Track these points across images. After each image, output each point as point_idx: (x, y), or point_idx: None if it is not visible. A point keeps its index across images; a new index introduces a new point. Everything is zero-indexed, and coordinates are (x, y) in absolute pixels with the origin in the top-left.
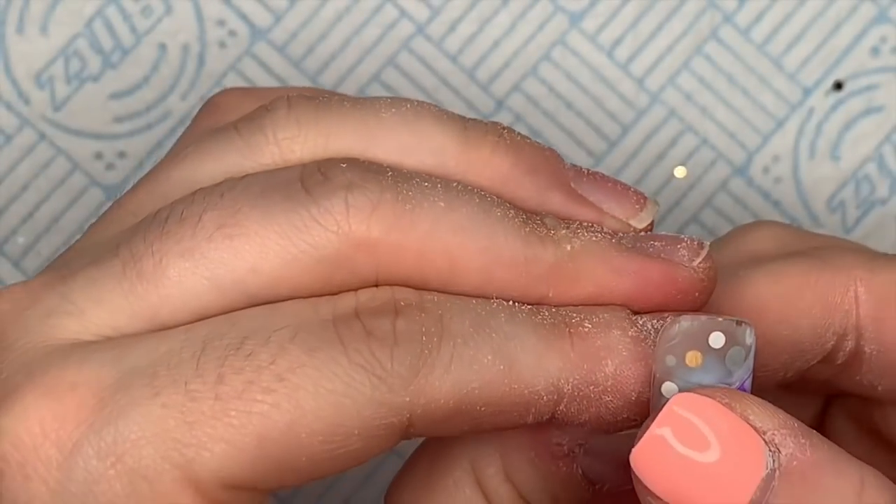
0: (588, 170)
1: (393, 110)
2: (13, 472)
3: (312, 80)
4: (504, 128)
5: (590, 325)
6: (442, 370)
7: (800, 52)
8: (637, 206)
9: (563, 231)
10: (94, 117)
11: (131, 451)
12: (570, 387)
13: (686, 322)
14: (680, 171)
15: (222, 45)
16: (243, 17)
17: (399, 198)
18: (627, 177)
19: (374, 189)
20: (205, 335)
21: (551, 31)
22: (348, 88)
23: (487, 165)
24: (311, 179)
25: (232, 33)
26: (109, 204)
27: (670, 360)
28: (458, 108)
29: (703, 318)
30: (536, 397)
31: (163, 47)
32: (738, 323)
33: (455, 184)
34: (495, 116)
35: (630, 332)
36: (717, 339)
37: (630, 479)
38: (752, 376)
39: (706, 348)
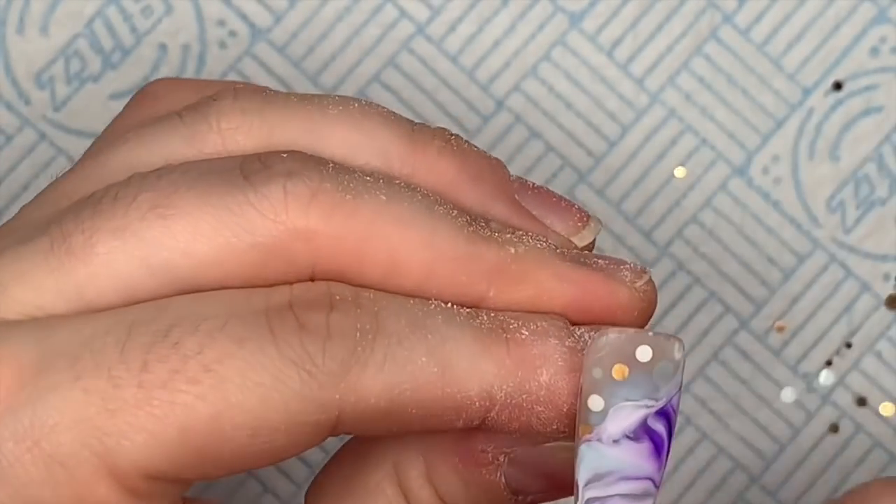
0: (533, 183)
1: (340, 108)
2: None
3: (313, 80)
4: (451, 134)
5: (527, 333)
6: (374, 369)
7: (799, 52)
8: (580, 224)
9: (508, 235)
10: (94, 117)
11: (49, 436)
12: (503, 394)
13: (614, 334)
14: (679, 172)
15: (222, 45)
16: (243, 17)
17: (340, 188)
18: (627, 177)
19: (314, 178)
20: (132, 320)
21: (551, 31)
22: (348, 89)
23: (433, 169)
24: (251, 167)
25: (232, 33)
26: None
27: (597, 373)
28: (459, 108)
29: (632, 331)
30: (468, 402)
31: (163, 47)
32: (668, 338)
33: (398, 181)
34: (495, 116)
35: (567, 342)
36: (644, 353)
37: (553, 490)
38: (679, 394)
39: (633, 362)
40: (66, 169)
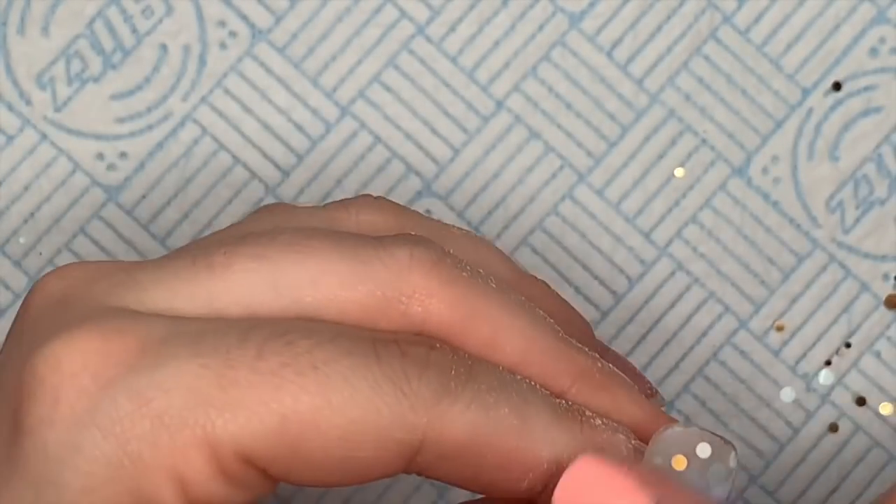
0: (613, 350)
1: (462, 230)
2: (45, 393)
3: (313, 80)
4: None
5: (600, 422)
6: (462, 406)
7: (799, 52)
8: (648, 392)
9: (595, 356)
10: (95, 118)
11: (161, 398)
12: (568, 462)
13: (680, 427)
14: (679, 172)
15: (223, 45)
16: (244, 17)
17: (458, 266)
18: (627, 177)
19: (438, 250)
20: (254, 323)
21: (551, 31)
22: (348, 89)
23: (533, 297)
24: (383, 236)
25: (232, 34)
26: (110, 204)
27: (658, 460)
28: (458, 109)
29: (696, 427)
30: (538, 462)
31: (164, 48)
32: (726, 443)
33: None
34: (495, 117)
35: (633, 442)
36: (703, 450)
37: None
38: (731, 497)
39: (693, 455)
40: (69, 168)
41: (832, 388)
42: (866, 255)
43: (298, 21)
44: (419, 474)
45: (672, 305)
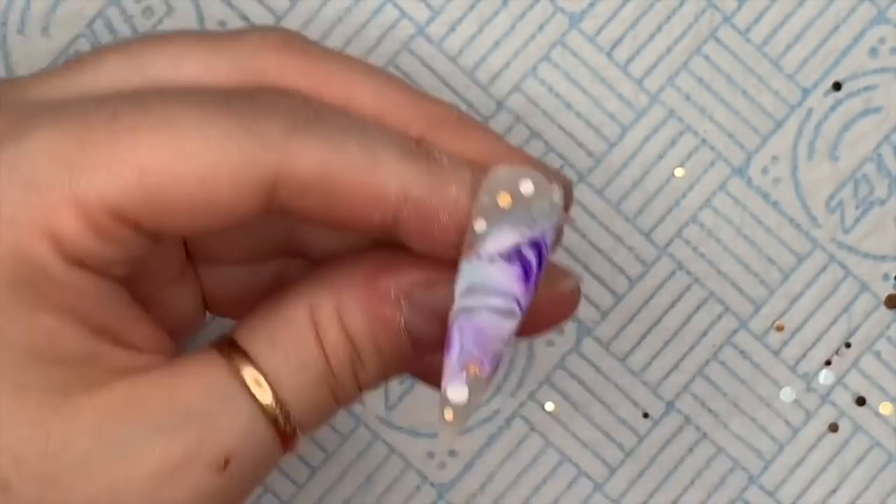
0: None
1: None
2: None
3: None
4: None
5: (447, 161)
6: (312, 142)
7: (798, 52)
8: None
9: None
10: None
11: (27, 164)
12: (416, 194)
13: (506, 167)
14: (679, 172)
15: None
16: (244, 17)
17: (308, 41)
18: (627, 177)
19: (288, 31)
20: (112, 94)
21: (551, 31)
22: None
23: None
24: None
25: None
26: None
27: (486, 199)
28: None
29: (520, 166)
30: (386, 195)
31: None
32: (552, 181)
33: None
34: (495, 117)
35: (479, 176)
36: (526, 187)
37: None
38: (552, 233)
39: (517, 194)
40: None
41: (832, 388)
42: (866, 255)
43: (298, 21)
44: (283, 214)
45: (672, 305)
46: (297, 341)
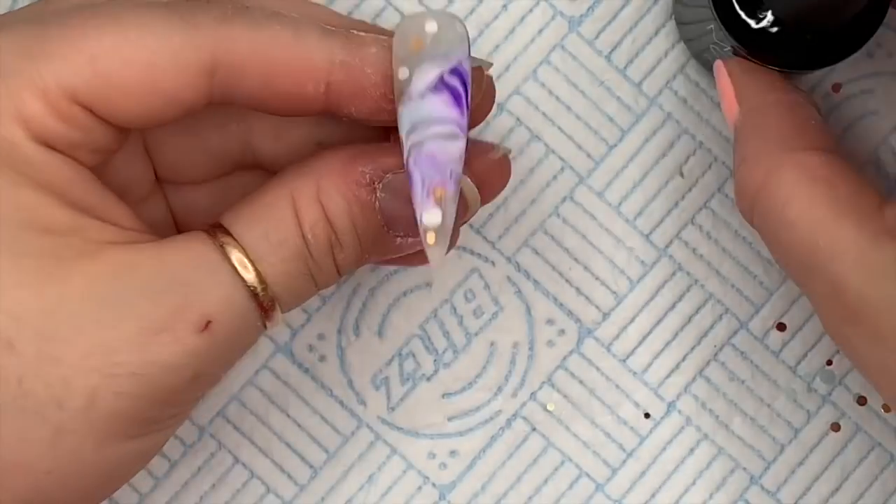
0: None
1: None
2: None
3: None
4: None
5: (364, 33)
6: (242, 27)
7: None
8: None
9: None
10: None
11: None
12: (340, 58)
13: (409, 16)
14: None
15: None
16: None
17: None
18: (626, 179)
19: None
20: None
21: (550, 35)
22: None
23: None
24: None
25: None
26: None
27: (399, 49)
28: None
29: (420, 12)
30: (314, 65)
31: None
32: (451, 16)
33: None
34: (496, 119)
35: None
36: (431, 26)
37: (414, 228)
38: (467, 60)
39: (425, 34)
40: None
41: (833, 388)
42: None
43: None
44: (226, 100)
45: (672, 306)
46: (278, 221)
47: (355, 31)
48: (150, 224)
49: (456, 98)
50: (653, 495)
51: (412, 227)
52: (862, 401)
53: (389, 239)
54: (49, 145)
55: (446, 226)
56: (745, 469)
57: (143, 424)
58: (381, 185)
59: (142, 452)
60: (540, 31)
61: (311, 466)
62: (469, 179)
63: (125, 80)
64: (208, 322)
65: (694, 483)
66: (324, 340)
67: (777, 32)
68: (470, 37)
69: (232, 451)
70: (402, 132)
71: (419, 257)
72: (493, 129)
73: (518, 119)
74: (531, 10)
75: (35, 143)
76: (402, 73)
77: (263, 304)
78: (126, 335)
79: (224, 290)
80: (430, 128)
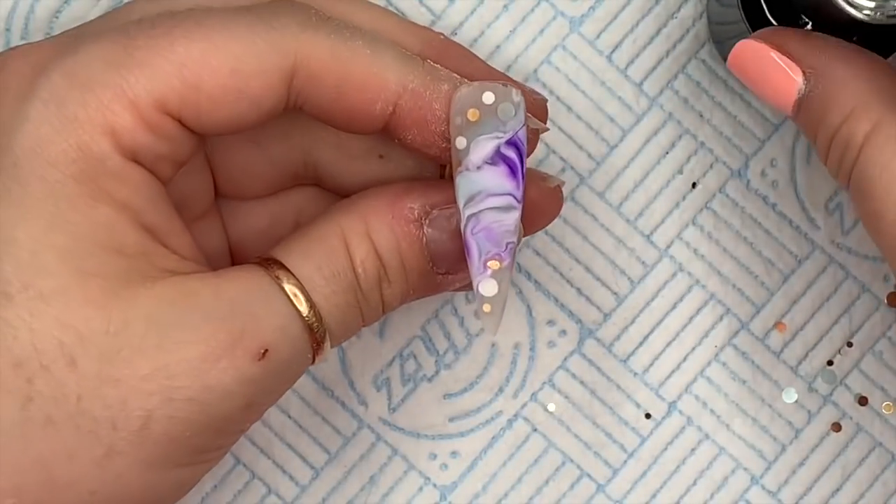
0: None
1: None
2: None
3: None
4: None
5: (441, 67)
6: (324, 34)
7: None
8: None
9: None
10: None
11: (83, 70)
12: (413, 85)
13: (466, 87)
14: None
15: None
16: None
17: None
18: (627, 179)
19: None
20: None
21: (551, 35)
22: None
23: None
24: None
25: None
26: None
27: (458, 119)
28: None
29: (477, 83)
30: (387, 84)
31: None
32: (505, 85)
33: None
34: None
35: (466, 81)
36: (488, 97)
37: (465, 263)
38: (523, 129)
39: (482, 105)
40: None
41: (834, 388)
42: (865, 257)
43: None
44: (297, 107)
45: (673, 307)
46: (330, 255)
47: (431, 63)
48: (204, 248)
49: (512, 169)
50: (654, 496)
51: (455, 264)
52: (863, 401)
53: (432, 275)
54: (134, 157)
55: (502, 295)
56: (746, 469)
57: (192, 453)
58: (427, 221)
59: (183, 482)
60: (541, 31)
61: (312, 467)
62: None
63: (213, 87)
64: (265, 351)
65: (695, 483)
66: None
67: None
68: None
69: (233, 452)
70: (460, 202)
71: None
72: None
73: None
74: (532, 10)
75: (121, 155)
76: (460, 142)
77: (317, 335)
78: (187, 360)
79: (280, 320)
80: (487, 200)
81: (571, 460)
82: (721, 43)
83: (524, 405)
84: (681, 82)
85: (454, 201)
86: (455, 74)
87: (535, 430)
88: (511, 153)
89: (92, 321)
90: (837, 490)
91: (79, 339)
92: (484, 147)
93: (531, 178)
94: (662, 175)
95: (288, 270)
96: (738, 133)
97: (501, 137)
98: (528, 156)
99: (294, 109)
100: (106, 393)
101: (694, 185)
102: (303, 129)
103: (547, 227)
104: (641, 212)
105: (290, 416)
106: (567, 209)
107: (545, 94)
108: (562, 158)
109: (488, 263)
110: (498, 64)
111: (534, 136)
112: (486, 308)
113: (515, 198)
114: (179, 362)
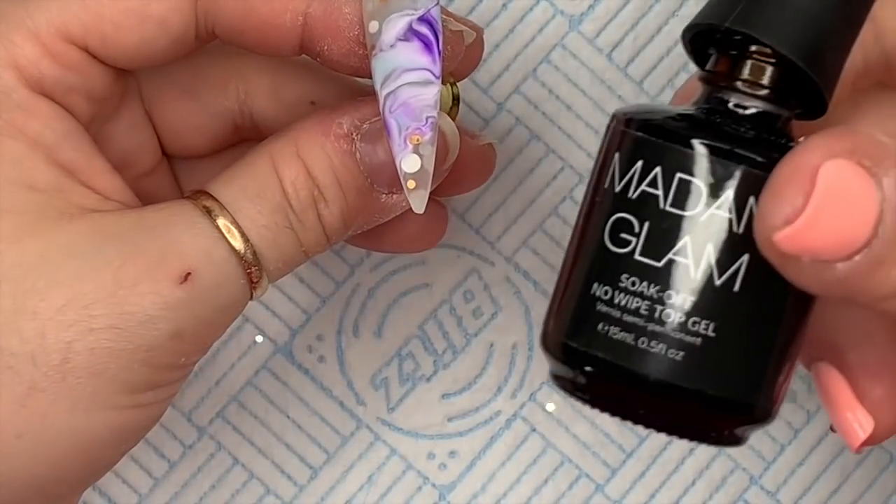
0: None
1: None
2: None
3: None
4: None
5: None
6: None
7: None
8: None
9: None
10: None
11: None
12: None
13: None
14: None
15: None
16: None
17: None
18: None
19: None
20: None
21: (551, 34)
22: None
23: None
24: None
25: None
26: None
27: (369, 5)
28: (459, 111)
29: None
30: None
31: None
32: None
33: None
34: (496, 119)
35: None
36: None
37: (397, 181)
38: (437, 7)
39: None
40: None
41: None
42: None
43: None
44: (209, 31)
45: None
46: (256, 177)
47: None
48: (155, 201)
49: (426, 45)
50: (652, 496)
51: (395, 180)
52: None
53: (375, 197)
54: (41, 90)
55: (426, 171)
56: (744, 469)
57: (122, 392)
58: (358, 135)
59: (120, 429)
60: (540, 30)
61: (310, 467)
62: (449, 118)
63: (115, 12)
64: (188, 274)
65: (693, 483)
66: (323, 341)
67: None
68: None
69: (231, 452)
70: (377, 86)
71: (413, 241)
72: (493, 128)
73: (518, 118)
74: (531, 9)
75: (27, 87)
76: (373, 26)
77: (245, 258)
78: (103, 286)
79: (202, 242)
80: (402, 76)
81: (570, 460)
82: None
83: (523, 405)
84: (682, 81)
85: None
86: None
87: (534, 429)
88: (424, 29)
89: (4, 255)
90: (836, 490)
91: None
92: (395, 25)
93: (463, 135)
94: None
95: (214, 198)
96: None
97: (413, 14)
98: (451, 59)
99: (207, 36)
100: (23, 326)
101: None
102: (237, 78)
103: (546, 227)
104: None
105: (288, 416)
106: (566, 208)
107: (545, 93)
108: (561, 158)
109: (409, 139)
110: (497, 63)
111: (456, 39)
112: (411, 184)
113: (433, 73)
114: (96, 290)
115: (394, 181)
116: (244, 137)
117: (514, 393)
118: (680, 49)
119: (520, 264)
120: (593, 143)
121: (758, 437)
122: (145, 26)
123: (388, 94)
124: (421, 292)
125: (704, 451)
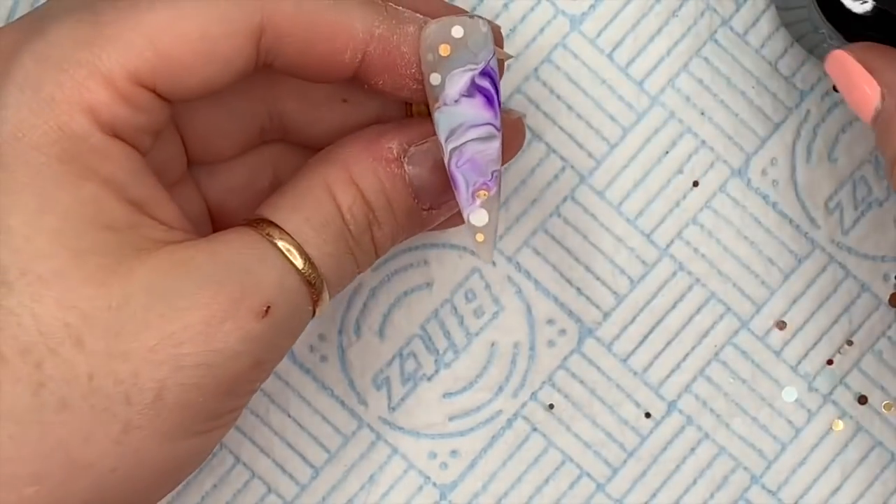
0: None
1: None
2: None
3: None
4: None
5: (403, 8)
6: None
7: (796, 55)
8: None
9: None
10: None
11: (54, 51)
12: (379, 31)
13: (434, 23)
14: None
15: None
16: None
17: None
18: (627, 178)
19: None
20: None
21: (552, 33)
22: None
23: None
24: None
25: None
26: None
27: (430, 56)
28: None
29: (445, 18)
30: (355, 33)
31: None
32: (473, 17)
33: None
34: None
35: (429, 19)
36: (457, 31)
37: (447, 188)
38: (494, 58)
39: (452, 40)
40: None
41: (834, 387)
42: (865, 256)
43: None
44: (267, 64)
45: (674, 306)
46: (317, 206)
47: (394, 5)
48: (187, 214)
49: (488, 99)
50: (653, 495)
51: (438, 197)
52: (863, 400)
53: (418, 212)
54: (114, 132)
55: (493, 223)
56: (746, 468)
57: (206, 419)
58: (406, 158)
59: (200, 450)
60: (541, 30)
61: (312, 466)
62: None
63: (184, 53)
64: (267, 308)
65: (695, 483)
66: (325, 341)
67: (877, 17)
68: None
69: (233, 451)
70: (441, 137)
71: (452, 219)
72: None
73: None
74: (532, 9)
75: (101, 132)
76: (435, 79)
77: (314, 286)
78: (191, 326)
79: (278, 276)
80: (468, 132)
81: (571, 459)
82: (788, 25)
83: (524, 404)
84: (682, 80)
85: (428, 136)
86: (418, 14)
87: (535, 429)
88: (486, 83)
89: (94, 299)
90: (837, 489)
91: (83, 318)
92: (459, 80)
93: None
94: (663, 174)
95: (278, 227)
96: (739, 132)
97: (475, 69)
98: (510, 144)
99: (264, 67)
100: (116, 368)
101: (695, 183)
102: (265, 81)
103: (547, 226)
104: (642, 211)
105: (289, 415)
106: (567, 208)
107: (545, 93)
108: (562, 157)
109: (477, 194)
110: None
111: (500, 66)
112: (480, 238)
113: (495, 126)
114: (185, 329)
115: (437, 199)
116: (268, 139)
117: (515, 392)
118: (680, 48)
119: (521, 264)
120: (594, 143)
121: (759, 436)
122: (212, 67)
123: (453, 149)
124: (422, 292)
125: (705, 450)
